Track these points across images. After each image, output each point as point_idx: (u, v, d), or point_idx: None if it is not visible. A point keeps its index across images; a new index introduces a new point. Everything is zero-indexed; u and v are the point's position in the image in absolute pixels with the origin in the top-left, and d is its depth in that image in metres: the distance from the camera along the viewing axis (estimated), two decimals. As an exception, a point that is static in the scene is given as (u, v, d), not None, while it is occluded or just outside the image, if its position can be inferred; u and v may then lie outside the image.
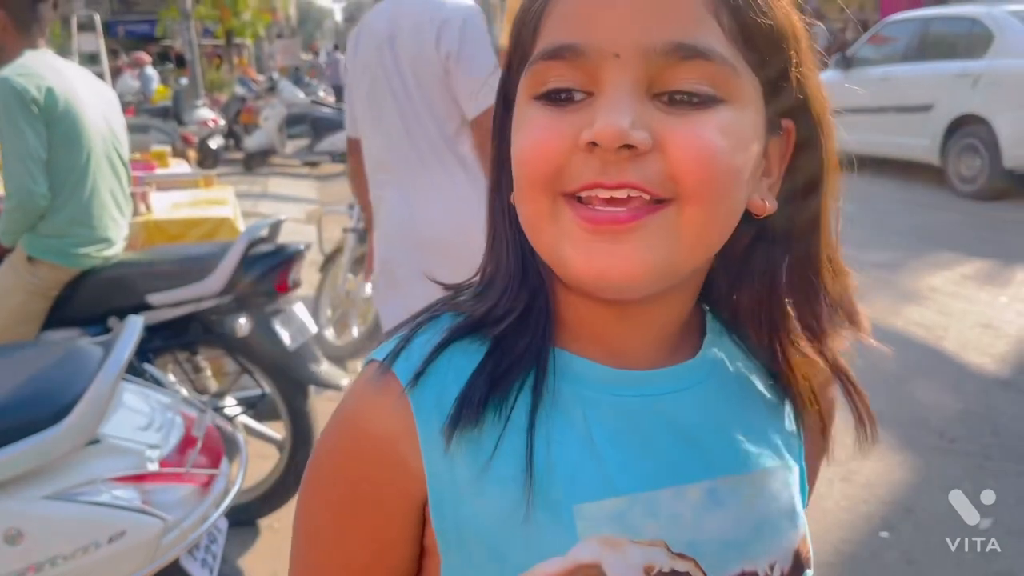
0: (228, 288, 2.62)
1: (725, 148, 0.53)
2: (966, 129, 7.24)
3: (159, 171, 4.47)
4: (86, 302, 2.64)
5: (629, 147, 0.52)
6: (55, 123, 2.47)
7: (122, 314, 2.31)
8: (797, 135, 0.61)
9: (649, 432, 0.60)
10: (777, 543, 0.63)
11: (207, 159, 10.39)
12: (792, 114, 0.60)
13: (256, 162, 11.06)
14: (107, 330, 2.53)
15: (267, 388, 2.79)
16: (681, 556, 0.59)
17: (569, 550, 0.57)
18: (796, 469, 0.66)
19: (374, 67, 2.28)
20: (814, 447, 0.70)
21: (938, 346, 4.16)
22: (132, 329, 1.98)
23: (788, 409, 0.67)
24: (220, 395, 2.85)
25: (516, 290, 0.62)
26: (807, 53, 0.59)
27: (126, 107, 5.06)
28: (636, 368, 0.62)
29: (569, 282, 0.59)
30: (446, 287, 0.68)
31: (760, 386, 0.66)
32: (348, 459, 0.62)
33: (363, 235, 4.31)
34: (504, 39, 1.82)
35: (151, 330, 2.45)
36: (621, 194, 0.53)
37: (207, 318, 2.70)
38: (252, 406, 2.83)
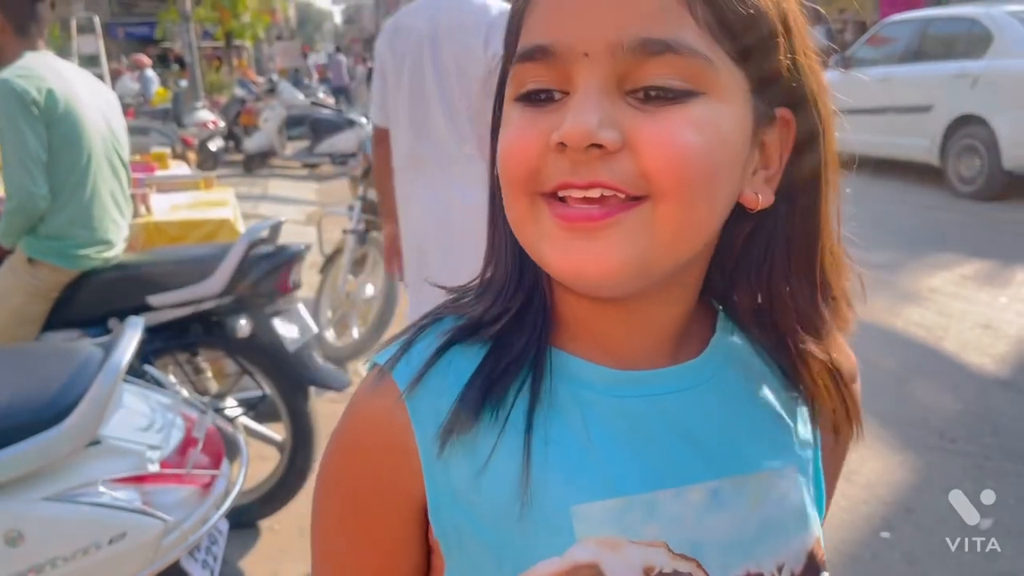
0: (228, 289, 2.62)
1: (698, 143, 0.52)
2: (965, 129, 7.23)
3: (159, 173, 4.47)
4: (86, 303, 2.64)
5: (598, 146, 0.52)
6: (55, 124, 2.46)
7: (122, 315, 2.30)
8: (798, 125, 0.59)
9: (650, 432, 0.60)
10: (784, 544, 0.62)
11: (207, 161, 10.37)
12: (791, 104, 0.58)
13: (256, 164, 11.05)
14: (107, 331, 2.53)
15: (267, 389, 2.79)
16: (683, 557, 0.58)
17: (566, 550, 0.57)
18: (809, 469, 0.65)
19: (412, 63, 2.40)
20: (834, 447, 0.69)
21: (938, 346, 4.16)
22: (132, 330, 1.98)
23: (803, 409, 0.66)
24: (221, 396, 2.85)
25: (513, 290, 0.62)
26: (801, 39, 0.57)
27: (126, 109, 5.05)
28: (636, 368, 0.61)
29: (555, 279, 0.59)
30: (448, 290, 0.68)
31: (773, 386, 0.65)
32: (350, 467, 0.62)
33: (363, 236, 4.31)
34: None
35: (151, 331, 2.45)
36: (594, 193, 0.53)
37: (207, 319, 2.70)
38: (253, 407, 2.83)
